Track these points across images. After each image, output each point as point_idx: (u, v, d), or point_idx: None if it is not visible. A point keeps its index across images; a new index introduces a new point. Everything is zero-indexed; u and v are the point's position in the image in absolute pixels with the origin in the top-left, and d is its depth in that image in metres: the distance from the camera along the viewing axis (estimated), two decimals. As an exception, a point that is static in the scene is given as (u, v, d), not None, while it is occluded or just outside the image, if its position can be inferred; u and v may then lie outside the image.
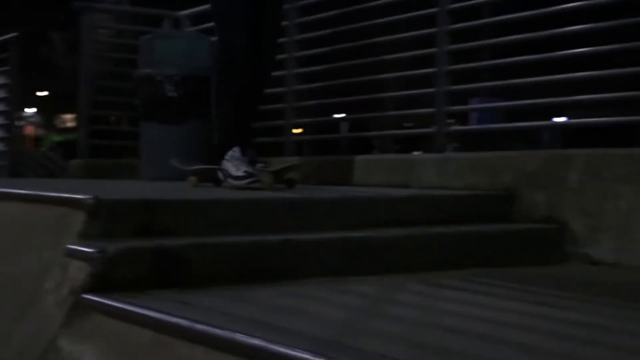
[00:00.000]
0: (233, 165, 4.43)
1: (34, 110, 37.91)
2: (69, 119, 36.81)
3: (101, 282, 2.88)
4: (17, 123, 9.83)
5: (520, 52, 5.04)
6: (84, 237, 3.11)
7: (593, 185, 3.97)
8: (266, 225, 3.50)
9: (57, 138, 33.50)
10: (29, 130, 36.37)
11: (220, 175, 4.51)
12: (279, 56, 5.54)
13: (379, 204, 3.92)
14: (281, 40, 4.91)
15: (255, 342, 2.20)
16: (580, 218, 4.00)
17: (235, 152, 4.47)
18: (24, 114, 35.42)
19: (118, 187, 4.77)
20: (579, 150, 4.16)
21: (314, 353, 2.03)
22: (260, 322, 2.48)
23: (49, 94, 36.47)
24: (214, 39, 5.91)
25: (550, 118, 6.86)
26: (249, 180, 4.31)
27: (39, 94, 36.29)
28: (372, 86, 5.45)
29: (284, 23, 5.93)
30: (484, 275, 3.52)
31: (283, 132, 6.46)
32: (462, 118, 8.16)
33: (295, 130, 6.54)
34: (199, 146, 6.28)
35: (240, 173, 4.36)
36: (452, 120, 6.19)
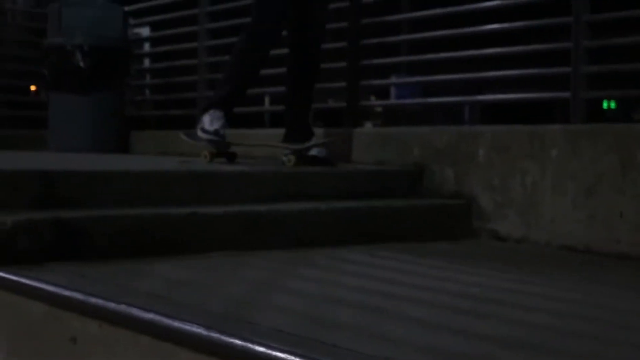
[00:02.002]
0: (210, 119, 4.41)
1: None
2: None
3: (-1, 254, 2.80)
4: None
5: (438, 28, 5.04)
6: (-20, 209, 3.02)
7: (500, 161, 3.99)
8: (171, 198, 3.44)
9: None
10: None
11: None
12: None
13: (286, 177, 3.89)
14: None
15: (150, 316, 2.15)
16: (487, 194, 4.03)
17: (218, 111, 4.43)
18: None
19: (20, 158, 4.65)
20: (487, 126, 4.19)
21: (207, 327, 1.99)
22: (158, 296, 2.43)
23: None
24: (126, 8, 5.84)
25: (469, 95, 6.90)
26: (212, 137, 4.36)
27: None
28: (284, 60, 5.39)
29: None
30: (390, 250, 3.52)
31: (196, 104, 6.37)
32: (385, 94, 8.15)
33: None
34: (108, 117, 6.19)
35: (210, 128, 4.38)
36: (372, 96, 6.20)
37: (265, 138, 5.07)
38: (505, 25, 4.55)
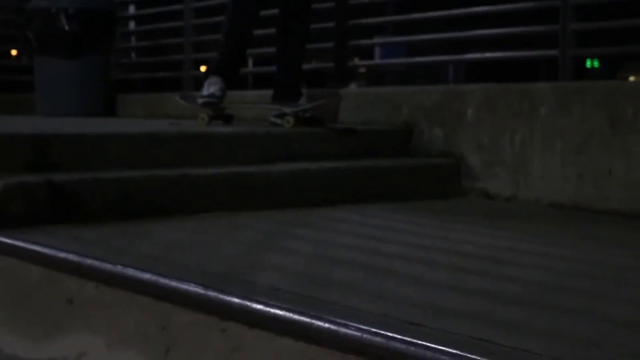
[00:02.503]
0: (207, 84, 4.47)
1: None
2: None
3: (-9, 218, 2.81)
4: None
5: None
6: (-28, 172, 3.02)
7: (489, 120, 4.00)
8: (162, 160, 3.45)
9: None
10: None
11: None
12: None
13: (275, 138, 3.89)
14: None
15: (146, 276, 2.16)
16: (476, 153, 4.04)
17: (216, 77, 4.48)
18: None
19: (9, 122, 4.63)
20: (476, 85, 4.19)
21: (204, 286, 2.01)
22: (152, 257, 2.45)
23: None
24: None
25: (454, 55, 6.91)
26: (208, 99, 4.41)
27: None
28: (273, 20, 5.37)
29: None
30: (381, 208, 3.54)
31: (182, 67, 6.35)
32: (369, 56, 8.14)
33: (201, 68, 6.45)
34: (95, 81, 6.16)
35: (206, 92, 4.44)
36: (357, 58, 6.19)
37: (256, 99, 5.07)
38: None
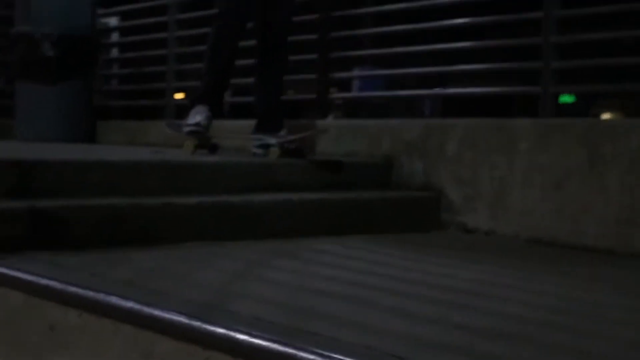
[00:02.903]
0: (194, 112, 4.48)
1: None
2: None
3: (-27, 243, 2.81)
4: None
5: (401, 23, 5.10)
6: (-46, 197, 3.02)
7: (469, 155, 4.04)
8: (145, 188, 3.46)
9: None
10: None
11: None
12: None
13: (258, 168, 3.91)
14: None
15: (130, 304, 2.17)
16: (456, 187, 4.08)
17: (201, 106, 4.49)
18: None
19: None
20: (456, 120, 4.23)
21: (188, 316, 2.01)
22: (135, 285, 2.45)
23: None
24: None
25: (431, 89, 6.98)
26: (193, 128, 4.42)
27: None
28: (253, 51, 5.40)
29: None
30: (361, 241, 3.57)
31: (165, 95, 6.37)
32: (346, 87, 8.18)
33: (177, 95, 6.48)
34: (77, 107, 6.17)
35: (192, 120, 4.44)
36: (335, 89, 6.22)
37: (237, 129, 5.09)
38: (476, 19, 4.61)
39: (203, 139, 4.49)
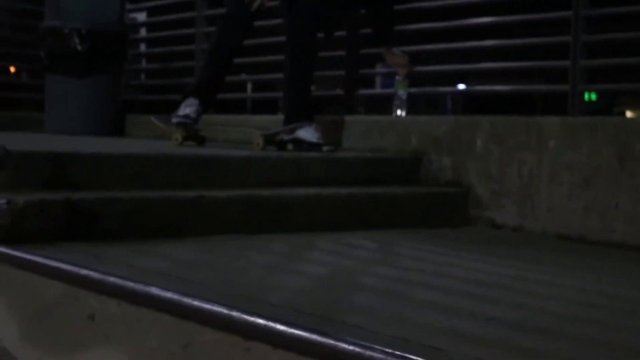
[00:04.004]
0: (184, 105, 4.59)
1: None
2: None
3: (10, 234, 2.86)
4: None
5: (427, 21, 5.13)
6: (-8, 189, 3.07)
7: (498, 151, 4.06)
8: (176, 181, 3.50)
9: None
10: None
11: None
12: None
13: (288, 163, 3.95)
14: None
15: (169, 295, 2.21)
16: (484, 183, 4.10)
17: (192, 98, 4.60)
18: None
19: (24, 139, 4.69)
20: (485, 116, 4.25)
21: (228, 306, 2.05)
22: (170, 276, 2.50)
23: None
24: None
25: (452, 86, 6.98)
26: (181, 120, 4.55)
27: None
28: (275, 48, 5.44)
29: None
30: (391, 235, 3.60)
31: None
32: (368, 84, 8.20)
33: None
34: (105, 101, 6.22)
35: (181, 113, 4.57)
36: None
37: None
38: (504, 18, 4.63)
39: (190, 131, 4.61)
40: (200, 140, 4.65)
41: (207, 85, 4.68)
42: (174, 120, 4.58)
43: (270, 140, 4.47)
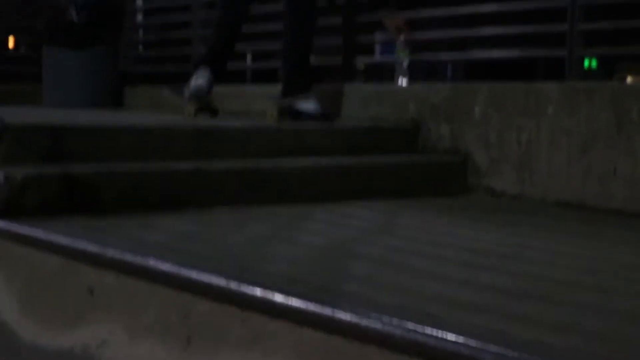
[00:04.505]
0: (195, 76, 4.52)
1: None
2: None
3: (8, 208, 2.86)
4: None
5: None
6: (-12, 162, 3.07)
7: (496, 118, 4.05)
8: (175, 152, 3.50)
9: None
10: None
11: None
12: None
13: (286, 133, 3.94)
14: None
15: (167, 266, 2.22)
16: (483, 150, 4.09)
17: (204, 69, 4.52)
18: None
19: (23, 112, 4.68)
20: (483, 83, 4.24)
21: (225, 277, 2.06)
22: (168, 248, 2.50)
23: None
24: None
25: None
26: (194, 92, 4.48)
27: None
28: (274, 16, 5.41)
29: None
30: (389, 204, 3.60)
31: (190, 60, 6.39)
32: (368, 51, 8.16)
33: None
34: (103, 73, 6.21)
35: (194, 84, 4.49)
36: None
37: (260, 95, 5.14)
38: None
39: (204, 103, 4.54)
40: (214, 112, 4.56)
41: (218, 54, 4.62)
42: (187, 92, 4.51)
43: (284, 111, 4.43)
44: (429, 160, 4.14)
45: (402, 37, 4.85)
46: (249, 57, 7.56)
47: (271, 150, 3.80)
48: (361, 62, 5.79)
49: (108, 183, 3.11)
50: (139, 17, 7.45)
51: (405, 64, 4.87)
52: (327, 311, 1.81)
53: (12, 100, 6.61)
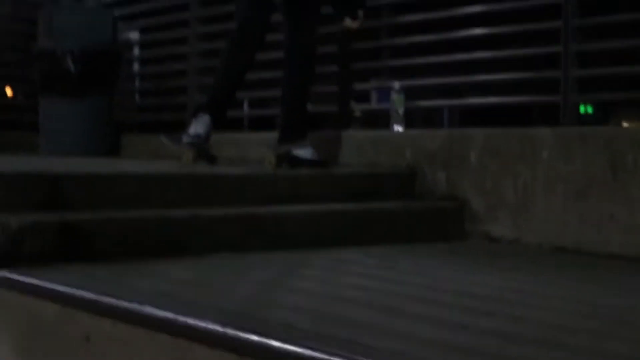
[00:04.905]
0: (195, 123, 4.48)
1: None
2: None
3: (5, 257, 2.86)
4: None
5: (418, 34, 5.15)
6: (-15, 211, 3.07)
7: (492, 164, 4.06)
8: (172, 200, 3.50)
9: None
10: None
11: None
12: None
13: (282, 180, 3.95)
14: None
15: (164, 313, 2.21)
16: (479, 196, 4.10)
17: (204, 116, 4.49)
18: None
19: (19, 160, 4.69)
20: (479, 129, 4.25)
21: (222, 324, 2.05)
22: (166, 295, 2.50)
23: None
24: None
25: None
26: (192, 140, 4.44)
27: None
28: (272, 65, 5.44)
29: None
30: (386, 250, 3.60)
31: (186, 109, 6.42)
32: (364, 99, 8.20)
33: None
34: (99, 121, 6.24)
35: (192, 132, 4.46)
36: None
37: (256, 142, 5.17)
38: (495, 29, 4.65)
39: (202, 151, 4.50)
40: (212, 159, 4.53)
41: (219, 102, 4.59)
42: (185, 140, 4.47)
43: (282, 157, 4.45)
44: (425, 206, 4.14)
45: (397, 85, 4.87)
46: (245, 104, 7.58)
47: (268, 196, 3.80)
48: (357, 109, 5.81)
49: (105, 230, 3.11)
50: (136, 66, 7.49)
51: (401, 110, 4.89)
52: (323, 357, 1.80)
53: (9, 148, 6.64)
